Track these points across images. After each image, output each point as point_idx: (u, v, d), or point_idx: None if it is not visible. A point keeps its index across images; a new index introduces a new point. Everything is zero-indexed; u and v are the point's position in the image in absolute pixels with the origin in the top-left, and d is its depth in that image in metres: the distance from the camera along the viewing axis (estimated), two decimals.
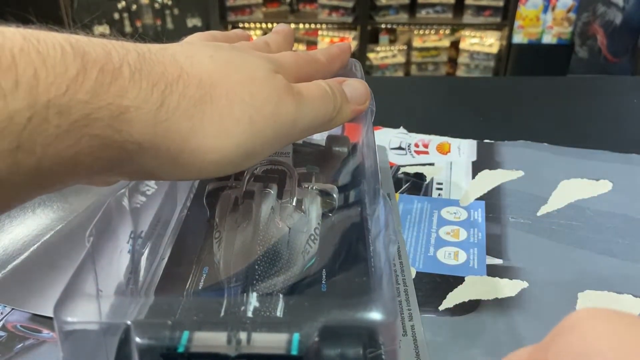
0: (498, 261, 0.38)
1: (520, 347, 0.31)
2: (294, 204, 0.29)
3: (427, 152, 0.53)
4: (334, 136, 0.37)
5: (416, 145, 0.54)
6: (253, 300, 0.21)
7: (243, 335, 0.19)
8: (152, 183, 0.33)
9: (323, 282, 0.25)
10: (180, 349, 0.19)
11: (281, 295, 0.24)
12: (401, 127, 0.57)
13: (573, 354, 0.15)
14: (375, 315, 0.19)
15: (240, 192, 0.29)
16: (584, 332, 0.15)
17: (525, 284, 0.36)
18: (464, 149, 0.53)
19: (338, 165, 0.35)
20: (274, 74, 0.25)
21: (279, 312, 0.20)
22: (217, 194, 0.30)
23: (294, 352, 0.19)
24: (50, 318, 0.33)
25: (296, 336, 0.19)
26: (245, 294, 0.23)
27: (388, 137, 0.55)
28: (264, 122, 0.24)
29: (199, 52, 0.24)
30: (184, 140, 0.21)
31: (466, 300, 0.35)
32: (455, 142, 0.54)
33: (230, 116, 0.23)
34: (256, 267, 0.25)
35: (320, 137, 0.38)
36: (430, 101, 0.69)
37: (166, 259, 0.28)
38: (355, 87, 0.30)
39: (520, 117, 0.62)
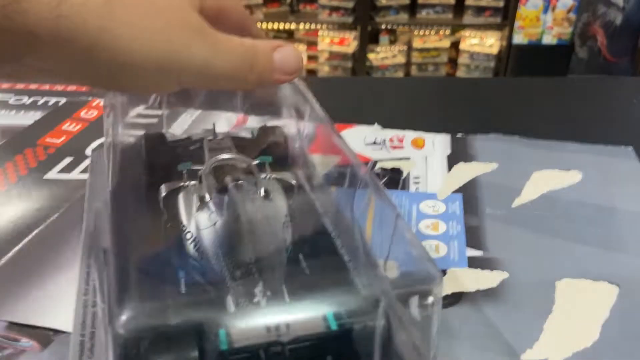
0: (478, 253, 0.39)
1: (504, 337, 0.32)
2: (262, 194, 0.28)
3: (402, 147, 0.53)
4: (268, 127, 0.37)
5: (391, 140, 0.54)
6: (259, 290, 0.21)
7: (282, 322, 0.19)
8: None
9: (304, 265, 0.26)
10: (224, 347, 0.19)
11: (284, 283, 0.24)
12: (375, 123, 0.57)
13: None
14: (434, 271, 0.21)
15: (202, 191, 0.28)
16: None
17: (505, 275, 0.37)
18: (438, 144, 0.54)
19: (281, 153, 0.35)
20: None
21: (287, 297, 0.21)
22: (174, 195, 0.30)
23: (333, 327, 0.20)
24: (29, 326, 0.32)
25: (330, 313, 0.20)
26: (250, 285, 0.23)
27: (363, 134, 0.55)
28: (176, 36, 0.25)
29: None
30: (92, 39, 0.22)
31: (449, 292, 0.35)
32: (429, 137, 0.55)
33: (143, 21, 0.24)
34: (248, 259, 0.25)
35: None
36: (430, 102, 0.69)
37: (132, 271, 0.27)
38: (286, 56, 0.29)
39: (520, 117, 0.62)
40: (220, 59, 0.26)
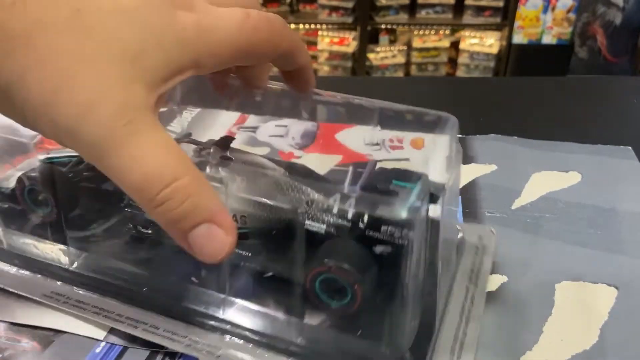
0: None
1: (503, 339, 0.32)
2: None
3: (402, 147, 0.53)
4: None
5: (390, 140, 0.54)
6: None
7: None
8: None
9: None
10: None
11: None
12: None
13: None
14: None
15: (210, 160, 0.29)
16: None
17: (504, 278, 0.37)
18: (438, 144, 0.54)
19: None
20: None
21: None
22: None
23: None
24: (29, 327, 0.32)
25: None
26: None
27: (363, 134, 0.55)
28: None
29: None
30: None
31: None
32: (429, 137, 0.55)
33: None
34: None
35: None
36: (429, 102, 0.69)
37: None
38: (207, 235, 0.23)
39: (520, 117, 0.62)
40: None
